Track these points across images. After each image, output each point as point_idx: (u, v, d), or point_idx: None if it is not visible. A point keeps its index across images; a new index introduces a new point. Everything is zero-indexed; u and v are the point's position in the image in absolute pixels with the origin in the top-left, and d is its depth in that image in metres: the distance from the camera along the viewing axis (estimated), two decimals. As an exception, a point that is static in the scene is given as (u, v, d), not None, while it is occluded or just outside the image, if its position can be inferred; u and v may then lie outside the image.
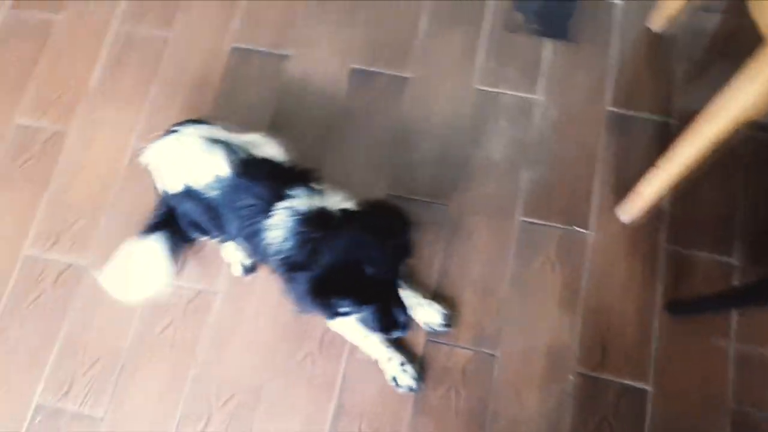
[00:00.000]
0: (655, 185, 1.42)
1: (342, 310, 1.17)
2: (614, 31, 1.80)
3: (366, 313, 1.20)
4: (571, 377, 1.48)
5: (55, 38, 1.91)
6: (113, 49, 1.89)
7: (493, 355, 1.51)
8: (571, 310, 1.54)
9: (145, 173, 1.69)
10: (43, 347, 1.57)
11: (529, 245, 1.60)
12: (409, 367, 1.47)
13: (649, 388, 1.47)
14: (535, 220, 1.63)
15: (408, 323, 1.24)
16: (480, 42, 1.82)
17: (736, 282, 1.53)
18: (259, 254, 1.30)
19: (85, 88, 1.83)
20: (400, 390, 1.47)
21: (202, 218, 1.36)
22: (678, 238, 1.58)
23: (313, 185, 1.26)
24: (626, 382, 1.48)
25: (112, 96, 1.82)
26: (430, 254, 1.60)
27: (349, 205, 1.23)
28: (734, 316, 1.50)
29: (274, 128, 1.74)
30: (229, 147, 1.28)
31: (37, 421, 1.51)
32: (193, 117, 1.72)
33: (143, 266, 1.40)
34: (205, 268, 1.62)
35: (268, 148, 1.36)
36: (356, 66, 1.81)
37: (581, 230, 1.60)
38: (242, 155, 1.28)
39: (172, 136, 1.34)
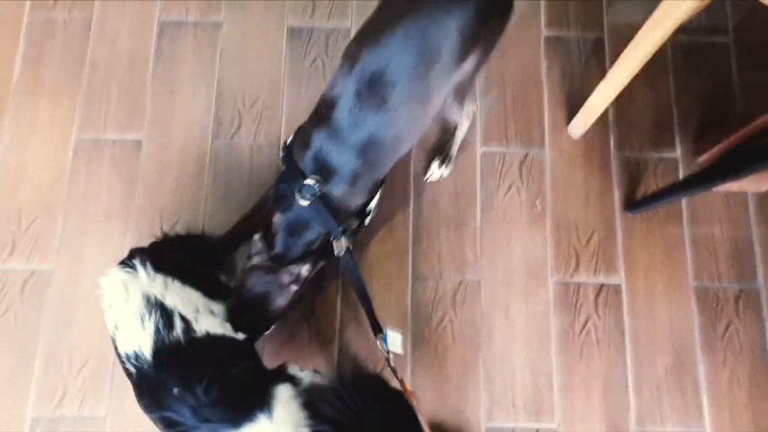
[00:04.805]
0: (603, 97, 1.51)
1: None
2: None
3: None
4: (551, 286, 1.59)
5: (-38, 37, 1.74)
6: (31, 38, 1.74)
7: (477, 281, 1.59)
8: (541, 226, 1.64)
9: (96, 162, 1.64)
10: (24, 360, 1.50)
11: (492, 173, 1.68)
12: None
13: (621, 281, 1.60)
14: (495, 148, 1.70)
15: None
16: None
17: (682, 174, 1.68)
18: None
19: (9, 88, 1.70)
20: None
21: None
22: (625, 143, 1.71)
23: (293, 374, 1.09)
24: (600, 280, 1.60)
25: (40, 90, 1.70)
26: (403, 203, 1.64)
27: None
28: (684, 204, 1.66)
29: (218, 96, 1.70)
30: (167, 318, 1.06)
31: (38, 432, 1.47)
32: (132, 115, 1.67)
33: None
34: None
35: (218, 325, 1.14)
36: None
37: (539, 151, 1.69)
38: (176, 335, 1.05)
39: (122, 278, 1.13)
